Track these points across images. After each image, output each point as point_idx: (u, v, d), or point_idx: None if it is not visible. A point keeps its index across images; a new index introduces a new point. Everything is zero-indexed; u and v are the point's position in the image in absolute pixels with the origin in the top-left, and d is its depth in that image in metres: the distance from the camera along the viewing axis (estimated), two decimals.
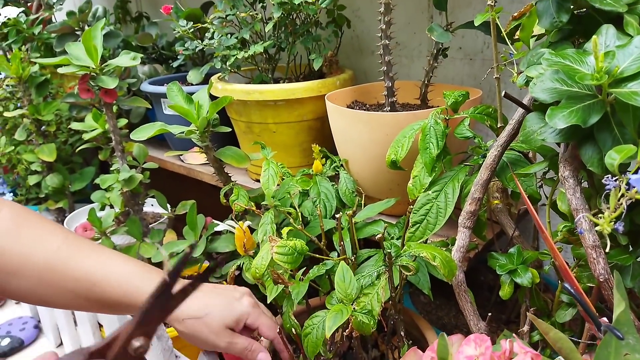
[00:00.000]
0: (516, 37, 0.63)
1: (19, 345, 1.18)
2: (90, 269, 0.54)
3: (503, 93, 0.57)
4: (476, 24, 0.63)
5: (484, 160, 0.65)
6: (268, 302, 0.67)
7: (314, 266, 0.71)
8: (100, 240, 0.95)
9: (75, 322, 1.05)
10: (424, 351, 0.49)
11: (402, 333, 0.69)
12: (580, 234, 0.44)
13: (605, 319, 0.44)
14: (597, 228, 0.38)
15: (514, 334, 0.59)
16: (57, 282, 0.54)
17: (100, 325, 0.96)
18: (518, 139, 0.59)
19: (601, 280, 0.47)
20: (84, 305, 0.57)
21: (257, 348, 0.61)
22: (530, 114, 0.53)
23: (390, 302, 0.66)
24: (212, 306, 0.59)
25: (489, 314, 0.63)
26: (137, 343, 0.44)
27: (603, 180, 0.37)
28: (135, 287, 0.55)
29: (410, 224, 0.67)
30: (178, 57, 1.18)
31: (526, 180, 0.64)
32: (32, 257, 0.53)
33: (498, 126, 0.68)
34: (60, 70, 0.80)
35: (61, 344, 1.17)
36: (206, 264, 1.00)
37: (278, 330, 0.65)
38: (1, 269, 0.52)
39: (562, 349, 0.40)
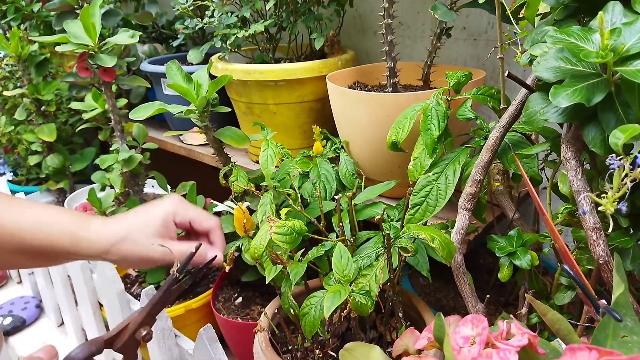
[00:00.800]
0: (521, 15, 0.62)
1: (20, 324, 1.19)
2: (7, 220, 0.52)
3: (506, 73, 0.56)
4: (480, 1, 0.61)
5: (485, 142, 0.64)
6: (267, 282, 0.67)
7: (313, 247, 0.71)
8: None
9: (76, 301, 1.06)
10: (421, 332, 0.49)
11: (400, 314, 0.69)
12: (583, 214, 0.43)
13: (603, 301, 0.44)
14: (600, 208, 0.37)
15: (511, 316, 0.59)
16: None
17: (101, 305, 0.96)
18: (520, 120, 0.58)
19: (601, 262, 0.47)
20: (13, 259, 0.55)
21: (203, 248, 0.57)
22: (533, 94, 0.52)
23: (388, 283, 0.66)
24: (133, 223, 0.55)
25: (487, 296, 0.63)
26: (144, 331, 0.51)
27: (607, 160, 0.37)
28: (57, 230, 0.53)
29: (410, 206, 0.66)
30: (178, 36, 1.16)
31: (528, 162, 0.64)
32: None
33: (501, 107, 0.67)
34: (58, 48, 0.79)
35: (62, 323, 1.19)
36: None
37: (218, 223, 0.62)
38: None
39: (560, 331, 0.40)
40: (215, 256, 0.60)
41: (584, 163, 0.51)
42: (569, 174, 0.49)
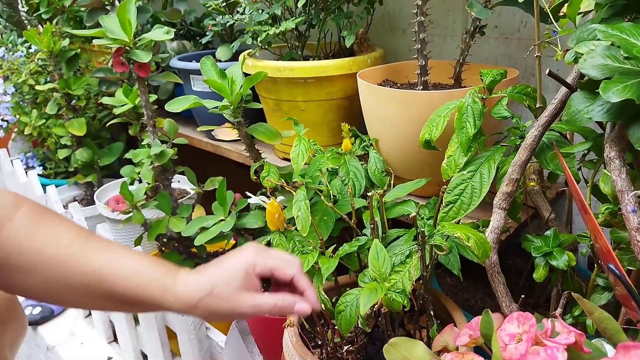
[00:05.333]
0: (561, 13, 0.61)
1: (49, 315, 1.22)
2: (99, 265, 0.53)
3: (547, 71, 0.56)
4: (520, 0, 0.61)
5: (521, 141, 0.63)
6: None
7: (344, 244, 0.71)
8: (131, 214, 0.96)
9: None
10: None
11: (432, 312, 0.69)
12: (633, 212, 0.43)
13: None
14: None
15: (556, 314, 0.58)
16: (66, 278, 0.53)
17: None
18: (561, 118, 0.58)
19: None
20: (98, 302, 0.56)
21: (289, 300, 0.55)
22: (575, 93, 0.51)
23: (420, 281, 0.66)
24: (217, 277, 0.54)
25: (522, 296, 0.62)
26: None
27: None
28: (146, 280, 0.54)
29: (443, 204, 0.66)
30: (207, 33, 1.17)
31: (567, 162, 0.63)
32: (44, 254, 0.52)
33: (537, 106, 0.67)
34: (95, 42, 0.81)
35: (90, 314, 1.21)
36: (233, 241, 1.01)
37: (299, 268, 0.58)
38: (16, 266, 0.51)
39: (606, 329, 0.40)
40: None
41: (626, 163, 0.51)
42: (612, 173, 0.48)
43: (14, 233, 0.51)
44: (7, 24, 1.67)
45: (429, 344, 0.69)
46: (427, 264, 0.65)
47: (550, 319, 0.41)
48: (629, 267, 0.54)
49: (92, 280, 0.53)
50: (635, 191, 0.44)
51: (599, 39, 0.46)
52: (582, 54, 0.47)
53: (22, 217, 0.53)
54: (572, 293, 0.44)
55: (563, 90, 0.59)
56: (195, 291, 0.54)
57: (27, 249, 0.52)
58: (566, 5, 0.57)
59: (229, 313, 0.54)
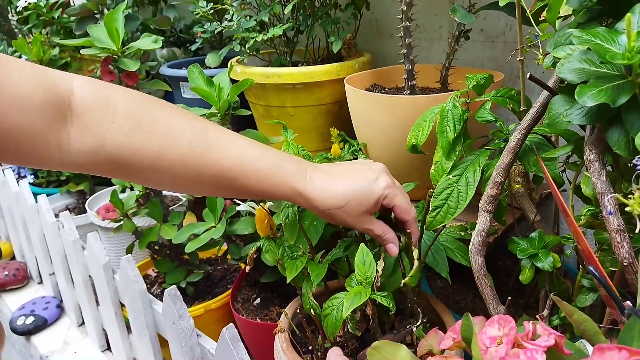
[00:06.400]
0: (541, 18, 0.62)
1: (42, 324, 1.21)
2: (227, 165, 0.54)
3: (528, 75, 0.56)
4: (501, 4, 0.62)
5: (505, 144, 0.64)
6: (287, 282, 0.68)
7: (333, 249, 0.72)
8: (122, 222, 0.96)
9: (97, 301, 1.07)
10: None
11: (420, 312, 0.69)
12: (609, 214, 0.43)
13: (629, 302, 0.44)
14: (627, 209, 0.38)
15: (538, 317, 0.59)
16: (195, 177, 0.53)
17: (123, 305, 0.98)
18: (543, 122, 0.58)
19: (625, 264, 0.47)
20: (227, 194, 0.59)
21: (390, 237, 0.63)
22: (556, 96, 0.52)
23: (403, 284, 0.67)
24: (351, 194, 0.59)
25: (509, 298, 0.63)
26: None
27: (634, 161, 0.37)
28: (280, 183, 0.57)
29: (431, 209, 0.67)
30: (196, 40, 1.18)
31: (549, 164, 0.64)
32: (166, 157, 0.51)
33: (521, 109, 0.68)
34: (83, 51, 0.81)
35: (83, 323, 1.20)
36: (225, 246, 1.01)
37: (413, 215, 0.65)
38: (139, 166, 0.51)
39: (586, 331, 0.40)
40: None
41: (607, 165, 0.52)
42: (592, 175, 0.49)
43: (122, 139, 0.49)
44: None
45: None
46: (410, 263, 0.65)
47: (531, 321, 0.41)
48: (612, 268, 0.54)
49: (222, 179, 0.54)
50: (613, 194, 0.44)
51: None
52: (560, 58, 0.48)
53: (125, 118, 0.50)
54: (552, 295, 0.45)
55: (545, 93, 0.60)
56: (327, 200, 0.58)
57: (145, 152, 0.50)
58: (546, 9, 0.58)
59: (345, 224, 0.61)
